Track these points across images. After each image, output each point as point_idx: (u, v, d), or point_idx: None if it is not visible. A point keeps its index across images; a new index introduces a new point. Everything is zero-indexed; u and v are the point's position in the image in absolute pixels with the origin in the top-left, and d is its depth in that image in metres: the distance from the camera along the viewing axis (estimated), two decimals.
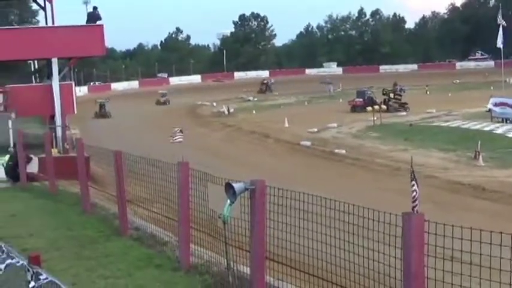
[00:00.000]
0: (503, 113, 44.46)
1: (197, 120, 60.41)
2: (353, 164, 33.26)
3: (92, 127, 54.71)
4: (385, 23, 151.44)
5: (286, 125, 49.64)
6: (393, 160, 32.49)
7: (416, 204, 7.12)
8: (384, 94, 60.72)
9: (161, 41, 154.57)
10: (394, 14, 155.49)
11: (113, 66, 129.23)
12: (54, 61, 30.63)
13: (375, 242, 7.11)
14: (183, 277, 10.13)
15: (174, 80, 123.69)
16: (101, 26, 31.69)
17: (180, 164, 10.73)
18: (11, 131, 30.48)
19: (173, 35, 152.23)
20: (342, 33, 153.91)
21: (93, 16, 32.11)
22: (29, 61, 42.15)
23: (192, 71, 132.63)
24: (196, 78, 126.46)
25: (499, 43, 54.79)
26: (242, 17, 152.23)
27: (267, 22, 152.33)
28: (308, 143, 40.51)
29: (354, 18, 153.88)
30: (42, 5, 32.55)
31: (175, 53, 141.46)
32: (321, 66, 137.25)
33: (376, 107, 54.32)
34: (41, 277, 5.09)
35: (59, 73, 30.96)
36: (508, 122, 43.19)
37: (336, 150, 37.03)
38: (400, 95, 60.95)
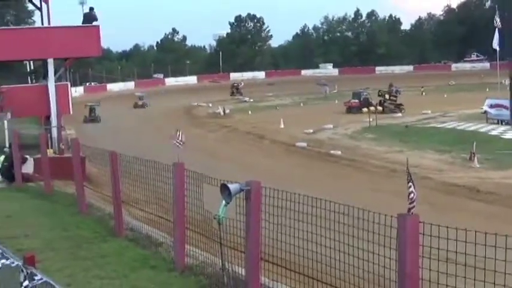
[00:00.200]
0: (499, 114, 44.54)
1: (193, 121, 60.35)
2: (349, 165, 33.27)
3: (85, 129, 54.70)
4: (381, 24, 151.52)
5: (282, 126, 49.65)
6: (389, 161, 32.51)
7: (413, 206, 7.12)
8: (379, 95, 60.78)
9: (157, 42, 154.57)
10: (390, 16, 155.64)
11: (108, 67, 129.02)
12: (50, 61, 30.60)
13: (370, 243, 7.13)
14: (178, 278, 10.13)
15: (170, 81, 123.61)
16: (97, 26, 31.65)
17: (175, 165, 10.74)
18: (6, 132, 30.43)
19: (169, 36, 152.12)
20: (338, 34, 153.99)
21: (89, 17, 32.08)
22: (25, 61, 42.11)
23: (188, 72, 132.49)
24: (192, 79, 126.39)
25: (495, 45, 54.84)
26: (238, 18, 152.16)
27: (263, 23, 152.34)
28: (304, 144, 40.51)
29: (350, 19, 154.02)
30: (38, 5, 32.49)
31: (172, 54, 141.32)
32: (317, 67, 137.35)
33: (372, 108, 54.35)
34: (36, 277, 5.09)
35: (55, 74, 30.93)
36: (503, 123, 43.26)
37: (332, 151, 37.04)
38: (396, 96, 61.03)
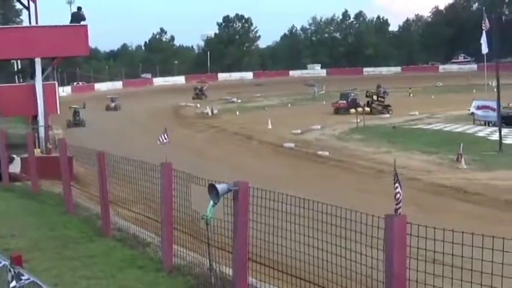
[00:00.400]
0: (486, 116, 44.70)
1: (181, 121, 60.31)
2: (336, 166, 33.32)
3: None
4: (368, 26, 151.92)
5: (270, 126, 49.68)
6: (376, 162, 32.58)
7: (400, 207, 7.15)
8: (367, 96, 60.94)
9: (145, 42, 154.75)
10: (378, 17, 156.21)
11: (96, 66, 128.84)
12: (38, 61, 30.46)
13: (358, 243, 7.14)
14: (166, 278, 10.12)
15: (158, 81, 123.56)
16: (85, 26, 31.54)
17: (163, 165, 10.73)
18: None
19: (157, 36, 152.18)
20: (326, 35, 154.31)
21: (77, 16, 31.96)
22: (12, 61, 41.92)
23: (176, 72, 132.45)
24: (180, 79, 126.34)
25: (485, 49, 55.01)
26: (226, 19, 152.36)
27: (251, 24, 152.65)
28: (291, 145, 40.55)
29: (338, 20, 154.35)
30: (26, 4, 32.39)
31: (159, 54, 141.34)
32: (305, 68, 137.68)
33: (360, 109, 54.48)
34: (23, 277, 5.07)
35: (42, 73, 30.80)
36: (490, 124, 43.41)
37: (319, 152, 37.09)
38: (384, 97, 61.19)
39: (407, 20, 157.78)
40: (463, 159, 30.49)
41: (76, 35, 31.09)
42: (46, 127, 30.58)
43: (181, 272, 10.18)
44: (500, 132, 34.84)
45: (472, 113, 46.77)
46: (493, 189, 25.13)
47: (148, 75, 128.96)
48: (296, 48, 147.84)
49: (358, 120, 48.03)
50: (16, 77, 40.63)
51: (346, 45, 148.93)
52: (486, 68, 58.77)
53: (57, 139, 23.89)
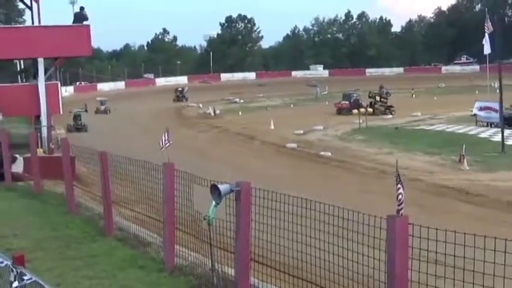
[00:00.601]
0: (488, 117, 44.68)
1: (183, 122, 60.33)
2: (338, 167, 33.32)
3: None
4: (371, 26, 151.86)
5: (272, 127, 49.68)
6: (379, 163, 32.59)
7: (402, 207, 7.15)
8: (370, 97, 60.92)
9: (148, 42, 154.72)
10: (381, 18, 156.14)
11: (99, 66, 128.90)
12: (40, 61, 30.48)
13: (360, 244, 7.14)
14: (167, 278, 10.13)
15: (161, 81, 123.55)
16: (88, 26, 31.56)
17: (165, 165, 10.74)
18: None
19: (160, 36, 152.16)
20: (329, 36, 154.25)
21: (80, 16, 31.99)
22: (15, 60, 41.96)
23: (179, 72, 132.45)
24: (182, 79, 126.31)
25: (487, 50, 54.95)
26: (229, 19, 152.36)
27: (254, 24, 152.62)
28: (294, 145, 40.55)
29: (341, 21, 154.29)
30: (29, 4, 32.40)
31: (162, 54, 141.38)
32: (308, 68, 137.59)
33: (362, 109, 54.48)
34: (25, 277, 5.08)
35: (45, 73, 30.82)
36: (492, 126, 43.38)
37: (322, 153, 37.09)
38: (386, 98, 61.16)
39: (410, 20, 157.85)
40: (465, 160, 30.48)
41: (79, 35, 31.11)
42: (49, 127, 30.60)
43: (183, 272, 10.19)
44: (502, 133, 34.83)
45: (475, 114, 46.73)
46: (495, 190, 25.13)
47: (151, 76, 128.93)
48: (299, 49, 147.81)
49: (361, 121, 48.02)
50: (19, 76, 40.70)
51: (349, 46, 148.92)
52: (489, 69, 58.81)
53: (60, 139, 23.85)
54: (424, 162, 32.46)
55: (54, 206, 17.54)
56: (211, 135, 50.76)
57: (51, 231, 13.94)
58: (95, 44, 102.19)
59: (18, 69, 43.05)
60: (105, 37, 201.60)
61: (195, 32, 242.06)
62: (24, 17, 78.48)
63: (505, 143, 34.52)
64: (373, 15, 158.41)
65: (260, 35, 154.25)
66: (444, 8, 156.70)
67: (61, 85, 35.44)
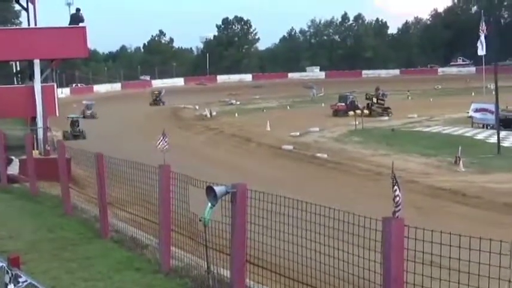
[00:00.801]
0: (484, 119, 44.74)
1: (180, 123, 60.31)
2: (335, 168, 33.33)
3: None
4: (368, 28, 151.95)
5: (268, 128, 49.69)
6: (375, 165, 32.60)
7: (399, 209, 7.15)
8: (367, 98, 60.91)
9: (144, 44, 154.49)
10: (377, 19, 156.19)
11: (95, 68, 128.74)
12: (36, 62, 30.45)
13: (355, 246, 7.15)
14: (163, 280, 10.12)
15: (157, 83, 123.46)
16: (84, 27, 31.53)
17: (161, 167, 10.74)
18: None
19: (156, 38, 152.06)
20: (325, 37, 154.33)
21: (76, 18, 31.96)
22: (11, 62, 41.96)
23: (175, 73, 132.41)
24: (179, 81, 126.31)
25: (481, 51, 55.17)
26: (225, 21, 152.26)
27: (250, 26, 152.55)
28: (290, 147, 40.55)
29: (337, 23, 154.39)
30: (25, 6, 32.36)
31: (158, 56, 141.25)
32: (304, 70, 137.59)
33: (359, 111, 54.48)
34: (20, 280, 5.07)
35: (41, 74, 30.79)
36: (488, 127, 43.44)
37: (318, 154, 37.10)
38: (383, 100, 61.17)
39: (407, 22, 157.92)
40: (461, 162, 30.52)
41: (75, 36, 31.08)
42: (45, 129, 30.57)
43: (178, 274, 10.19)
44: (498, 135, 34.88)
45: (471, 116, 46.79)
46: (490, 192, 25.16)
47: (147, 77, 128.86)
48: (295, 51, 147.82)
49: (357, 123, 48.04)
50: (15, 78, 40.67)
51: (345, 48, 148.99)
52: (484, 70, 58.99)
53: (56, 141, 23.86)
54: (420, 164, 32.48)
55: (49, 208, 17.53)
56: (207, 137, 50.73)
57: (47, 233, 13.93)
58: (91, 45, 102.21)
59: (14, 70, 43.04)
60: (102, 39, 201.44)
61: (192, 33, 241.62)
62: (20, 19, 78.58)
63: (501, 144, 34.57)
64: (369, 17, 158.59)
65: (256, 36, 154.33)
66: (440, 9, 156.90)
67: (57, 87, 35.35)
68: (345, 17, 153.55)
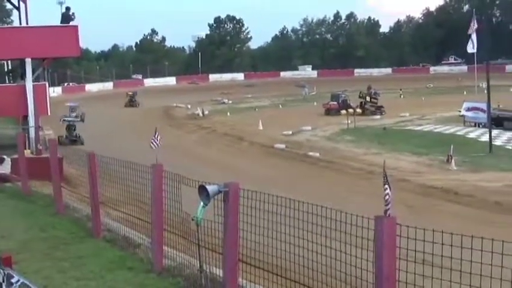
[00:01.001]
0: (476, 117, 44.81)
1: (172, 122, 60.23)
2: (326, 167, 33.33)
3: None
4: (360, 27, 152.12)
5: (261, 127, 49.64)
6: (367, 163, 32.62)
7: (389, 208, 7.16)
8: (360, 97, 60.90)
9: (136, 43, 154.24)
10: (369, 18, 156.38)
11: (87, 67, 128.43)
12: (28, 61, 30.37)
13: (348, 244, 7.16)
14: (156, 279, 10.12)
15: (149, 82, 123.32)
16: (76, 26, 31.47)
17: (153, 166, 10.73)
18: None
19: (148, 37, 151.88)
20: (317, 36, 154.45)
21: (67, 17, 31.92)
22: (2, 61, 41.80)
23: (167, 72, 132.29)
24: (171, 80, 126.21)
25: (470, 49, 55.28)
26: (217, 20, 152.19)
27: (243, 25, 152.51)
28: (282, 146, 40.54)
29: (330, 21, 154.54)
30: (16, 4, 32.27)
31: (150, 55, 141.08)
32: (296, 69, 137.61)
33: (351, 110, 54.50)
34: (13, 280, 5.06)
35: (33, 73, 30.72)
36: (480, 126, 43.53)
37: (310, 153, 37.09)
38: (376, 99, 61.17)
39: (398, 21, 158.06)
40: (453, 160, 30.57)
41: (67, 35, 31.02)
42: (36, 128, 30.51)
43: (171, 273, 10.19)
44: (490, 133, 34.97)
45: (463, 115, 46.87)
46: (482, 190, 25.20)
47: (139, 76, 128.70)
48: (287, 50, 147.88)
49: (349, 122, 48.07)
50: (6, 77, 40.53)
51: (337, 47, 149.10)
52: (476, 69, 59.07)
53: (48, 140, 23.81)
54: (412, 162, 32.52)
55: (41, 207, 17.51)
56: (199, 136, 50.67)
57: (39, 233, 13.91)
58: (83, 44, 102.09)
59: (6, 69, 42.89)
60: (94, 37, 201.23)
61: (184, 32, 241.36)
62: (11, 18, 78.42)
63: (493, 143, 34.66)
64: (361, 15, 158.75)
65: (249, 35, 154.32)
66: (432, 8, 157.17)
67: (49, 86, 35.28)
68: (337, 15, 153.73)
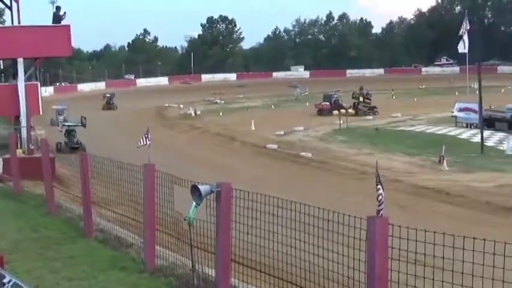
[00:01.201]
0: (468, 118, 44.90)
1: (164, 122, 60.18)
2: (319, 167, 33.34)
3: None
4: (352, 27, 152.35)
5: (253, 127, 49.63)
6: (359, 164, 32.63)
7: (382, 208, 7.19)
8: (353, 98, 60.92)
9: (128, 43, 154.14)
10: (361, 19, 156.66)
11: (79, 67, 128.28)
12: (20, 61, 30.28)
13: (340, 244, 7.17)
14: (148, 279, 10.12)
15: (141, 82, 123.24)
16: (68, 26, 31.40)
17: (146, 166, 10.72)
18: None
19: (141, 37, 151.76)
20: (310, 37, 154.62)
21: (57, 17, 31.84)
22: None
23: (160, 72, 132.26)
24: (163, 80, 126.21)
25: (461, 49, 55.47)
26: (210, 20, 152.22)
27: (235, 25, 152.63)
28: (274, 146, 40.54)
29: (322, 22, 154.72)
30: (8, 4, 32.15)
31: (143, 55, 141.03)
32: (289, 69, 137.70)
33: (343, 110, 54.54)
34: (5, 280, 5.04)
35: (25, 73, 30.63)
36: (472, 127, 43.64)
37: (302, 153, 37.09)
38: (369, 99, 61.22)
39: (391, 22, 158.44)
40: (445, 161, 30.63)
41: (59, 35, 30.94)
42: (28, 127, 30.43)
43: (163, 273, 10.18)
44: (482, 134, 35.07)
45: (455, 116, 46.97)
46: (474, 191, 25.26)
47: (132, 76, 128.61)
48: (279, 50, 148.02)
49: (341, 122, 48.10)
50: None
51: (330, 47, 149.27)
52: (468, 70, 59.26)
53: (40, 140, 23.75)
54: (404, 163, 32.57)
55: (33, 207, 17.47)
56: (191, 135, 50.63)
57: (31, 233, 13.88)
58: (75, 44, 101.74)
59: None
60: (86, 37, 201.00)
61: (176, 32, 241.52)
62: (3, 17, 78.07)
63: (484, 144, 34.78)
64: (353, 16, 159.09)
65: (241, 36, 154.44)
66: (424, 9, 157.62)
67: (41, 85, 35.19)
68: (329, 16, 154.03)
